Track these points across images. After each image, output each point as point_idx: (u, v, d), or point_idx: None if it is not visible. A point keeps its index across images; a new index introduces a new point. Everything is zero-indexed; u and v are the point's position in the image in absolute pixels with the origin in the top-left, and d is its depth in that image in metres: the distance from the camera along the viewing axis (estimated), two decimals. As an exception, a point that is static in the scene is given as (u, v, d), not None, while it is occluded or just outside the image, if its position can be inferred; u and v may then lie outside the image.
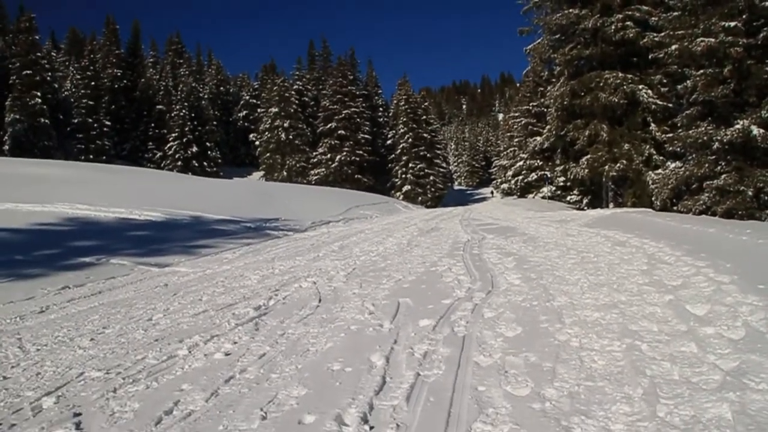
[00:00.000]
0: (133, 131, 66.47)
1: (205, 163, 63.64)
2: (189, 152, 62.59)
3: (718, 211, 17.53)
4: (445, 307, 6.02)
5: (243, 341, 4.95)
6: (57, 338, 5.17)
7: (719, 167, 18.14)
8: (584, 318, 5.37)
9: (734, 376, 3.72)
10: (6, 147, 49.40)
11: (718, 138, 17.52)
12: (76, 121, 56.15)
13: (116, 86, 66.50)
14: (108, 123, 59.34)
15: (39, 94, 51.01)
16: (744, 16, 17.63)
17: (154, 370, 4.23)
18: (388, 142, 68.13)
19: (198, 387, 3.87)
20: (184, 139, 62.85)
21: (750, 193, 16.92)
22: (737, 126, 16.94)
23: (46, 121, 51.06)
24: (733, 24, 17.36)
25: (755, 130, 16.52)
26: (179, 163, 61.84)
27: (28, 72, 51.62)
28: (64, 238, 11.88)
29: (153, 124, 66.12)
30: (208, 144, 65.43)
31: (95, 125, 57.09)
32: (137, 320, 5.79)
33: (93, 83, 59.32)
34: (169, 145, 63.30)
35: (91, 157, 53.75)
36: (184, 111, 63.44)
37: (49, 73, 54.92)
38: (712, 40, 17.61)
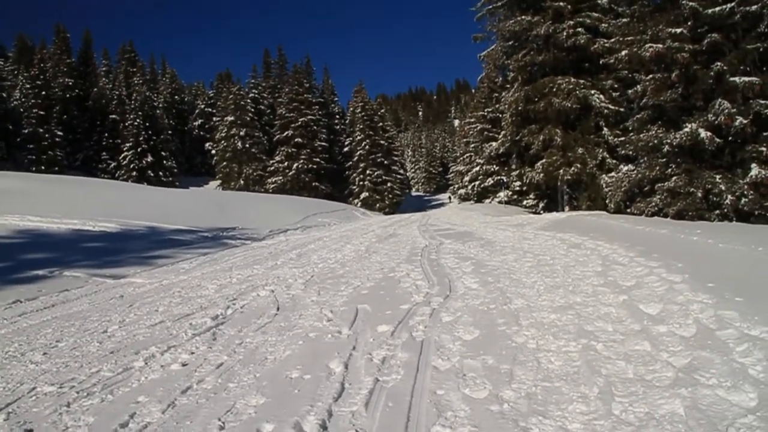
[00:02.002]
0: (86, 141, 65.17)
1: (160, 173, 62.79)
2: (144, 162, 61.72)
3: (669, 213, 17.89)
4: (404, 312, 6.04)
5: (200, 351, 4.90)
6: (7, 353, 5.04)
7: (670, 170, 18.51)
8: (541, 320, 5.44)
9: (686, 373, 3.82)
10: (-49, 158, 48.14)
11: (668, 141, 17.89)
12: (26, 131, 54.88)
13: (68, 95, 65.14)
14: (60, 133, 58.07)
15: (-15, 104, 49.83)
16: (689, 23, 18.06)
17: (110, 383, 4.16)
18: (345, 149, 68.06)
19: (154, 398, 3.82)
20: (139, 149, 61.95)
21: (699, 195, 17.29)
22: (686, 129, 17.32)
23: (-6, 131, 49.88)
24: (679, 30, 17.77)
25: (703, 133, 16.90)
26: (134, 173, 60.93)
27: (-27, 81, 50.36)
28: (15, 251, 11.60)
29: (107, 134, 64.95)
30: (163, 153, 64.56)
31: (46, 135, 55.86)
32: (92, 333, 5.68)
33: (43, 92, 58.04)
34: (123, 155, 62.31)
35: (43, 168, 52.65)
36: (138, 120, 62.53)
37: (-3, 83, 53.69)
38: (660, 46, 18.00)
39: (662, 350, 4.35)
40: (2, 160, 49.63)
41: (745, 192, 16.43)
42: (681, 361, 4.07)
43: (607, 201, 22.86)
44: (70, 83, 66.11)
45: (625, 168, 21.47)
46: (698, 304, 5.36)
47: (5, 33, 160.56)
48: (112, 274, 9.67)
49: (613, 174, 22.92)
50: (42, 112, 56.29)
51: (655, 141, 18.60)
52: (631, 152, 20.96)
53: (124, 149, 62.26)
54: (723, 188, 16.74)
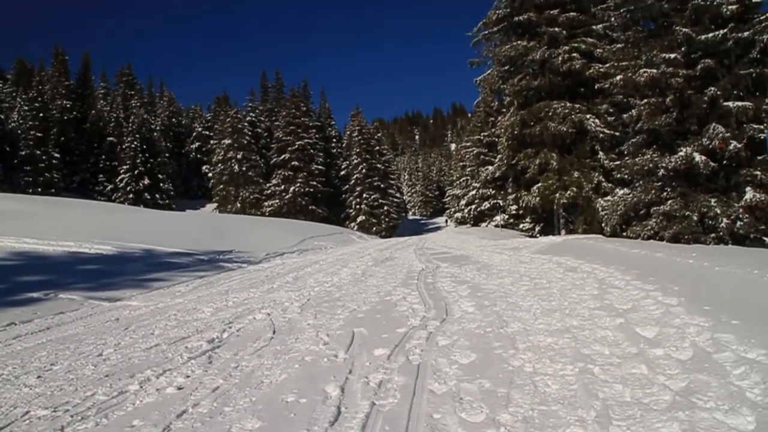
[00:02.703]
0: (83, 163, 65.34)
1: (157, 196, 62.89)
2: (141, 185, 61.85)
3: (665, 236, 17.91)
4: (400, 335, 6.03)
5: (196, 375, 4.87)
6: (1, 377, 5.00)
7: (665, 193, 18.56)
8: (537, 343, 5.43)
9: (683, 396, 3.81)
10: (-52, 180, 48.21)
11: (663, 165, 17.96)
12: (23, 153, 55.03)
13: (65, 118, 65.42)
14: (57, 155, 58.25)
15: (-17, 126, 50.04)
16: (683, 49, 18.23)
17: (104, 407, 4.13)
18: (342, 172, 68.35)
19: (149, 422, 3.79)
20: (136, 171, 62.11)
21: (695, 218, 17.33)
22: (681, 153, 17.39)
23: (-9, 153, 50.04)
24: (673, 56, 17.92)
25: (697, 157, 16.97)
26: (131, 195, 61.05)
27: (-29, 103, 50.58)
28: (10, 273, 11.56)
29: (104, 156, 65.17)
30: (160, 176, 64.70)
31: (44, 157, 56.01)
32: (87, 356, 5.65)
33: (41, 114, 58.30)
34: (120, 178, 62.46)
35: (40, 189, 52.77)
36: (135, 143, 62.75)
37: (-5, 105, 53.92)
38: (654, 71, 18.14)
39: (659, 373, 4.34)
40: (-1, 182, 49.70)
41: (740, 215, 16.46)
42: (678, 384, 4.06)
43: (603, 224, 22.88)
44: (68, 105, 66.47)
45: (621, 192, 21.52)
46: (695, 327, 5.37)
47: (5, 55, 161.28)
48: (108, 297, 9.64)
49: (608, 198, 22.97)
50: (39, 134, 56.54)
51: (651, 165, 18.67)
52: (626, 176, 21.01)
53: (121, 172, 62.44)
54: (718, 212, 16.78)
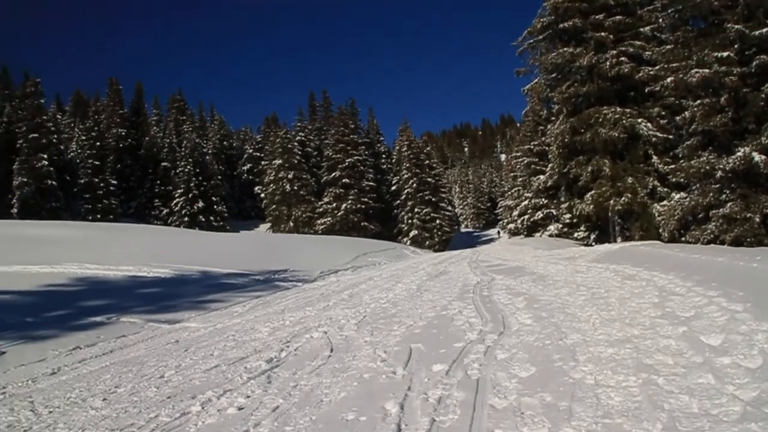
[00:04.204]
0: (138, 189, 67.06)
1: (211, 218, 63.95)
2: (195, 207, 62.99)
3: (726, 240, 17.47)
4: (458, 350, 5.97)
5: (256, 395, 4.91)
6: (69, 399, 5.13)
7: (724, 195, 18.13)
8: (598, 354, 5.32)
9: (755, 406, 3.68)
10: (14, 210, 49.99)
11: (721, 167, 17.55)
12: (82, 181, 56.75)
13: (121, 145, 67.37)
14: (114, 182, 59.88)
15: (45, 156, 51.89)
16: (736, 46, 17.83)
17: (168, 428, 4.19)
18: (393, 188, 68.52)
19: (212, 443, 3.83)
20: (190, 195, 63.30)
21: (757, 220, 16.87)
22: (738, 153, 16.97)
23: (53, 182, 51.83)
24: (725, 54, 17.54)
25: (757, 157, 16.54)
26: (186, 218, 62.20)
27: (35, 135, 52.49)
28: (74, 299, 11.87)
29: (158, 181, 66.69)
30: (213, 198, 65.81)
31: (101, 185, 57.61)
32: (149, 378, 5.75)
33: (98, 143, 60.06)
34: (175, 201, 63.75)
35: (99, 216, 54.28)
36: (188, 167, 64.04)
37: (55, 136, 55.84)
38: (707, 70, 17.77)
39: (727, 383, 4.20)
40: (60, 210, 51.34)
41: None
42: (749, 394, 3.92)
43: (660, 230, 22.43)
44: (123, 133, 68.42)
45: (678, 196, 21.10)
46: (763, 334, 5.19)
47: (64, 89, 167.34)
48: (167, 319, 9.81)
49: (665, 202, 22.54)
50: (97, 162, 58.22)
51: (707, 167, 18.26)
52: (682, 179, 20.59)
53: (176, 195, 63.72)
54: (782, 212, 16.31)
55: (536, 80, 31.33)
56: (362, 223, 61.26)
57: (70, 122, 71.00)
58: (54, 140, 54.95)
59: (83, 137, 60.02)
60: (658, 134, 25.08)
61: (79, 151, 59.23)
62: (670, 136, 24.86)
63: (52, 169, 51.97)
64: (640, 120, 25.58)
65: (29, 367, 6.55)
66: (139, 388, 5.37)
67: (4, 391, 5.52)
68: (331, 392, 4.84)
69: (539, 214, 50.21)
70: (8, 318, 9.23)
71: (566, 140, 28.49)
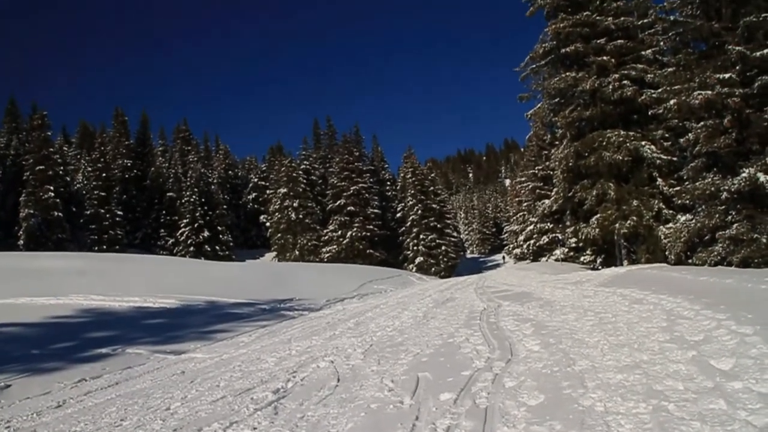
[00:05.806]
0: (144, 219, 67.35)
1: (217, 247, 64.01)
2: (201, 237, 63.11)
3: (733, 261, 17.38)
4: (465, 378, 5.92)
5: (263, 426, 4.87)
6: (74, 434, 5.11)
7: (730, 217, 18.08)
8: (607, 381, 5.27)
9: (767, 432, 3.63)
10: (21, 241, 50.15)
11: (726, 188, 17.52)
12: (88, 212, 56.92)
13: (127, 176, 67.80)
14: (120, 213, 60.14)
15: (52, 188, 52.16)
16: (737, 68, 17.89)
17: (174, 462, 4.16)
18: (398, 215, 68.59)
19: (219, 477, 3.79)
20: (196, 225, 63.47)
21: (764, 240, 16.77)
22: (744, 174, 16.94)
23: (60, 214, 52.03)
24: (727, 76, 17.59)
25: (762, 177, 16.49)
26: (191, 248, 62.29)
27: (41, 167, 52.79)
28: (80, 330, 11.86)
29: (164, 211, 66.92)
30: (219, 228, 65.94)
31: (107, 215, 57.82)
32: (155, 410, 5.72)
33: (104, 174, 60.46)
34: (180, 231, 63.91)
35: (105, 247, 54.43)
36: (194, 197, 64.29)
37: (62, 167, 56.10)
38: (709, 92, 17.81)
39: (739, 408, 4.14)
40: (66, 241, 51.44)
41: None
42: (762, 419, 3.86)
43: (666, 253, 22.33)
44: (129, 164, 68.88)
45: (683, 218, 21.05)
46: (774, 358, 5.14)
47: (69, 120, 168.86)
48: (173, 350, 9.78)
49: (670, 225, 22.47)
50: (103, 193, 58.51)
51: (712, 188, 18.23)
52: (687, 201, 20.55)
53: (181, 225, 63.92)
54: (790, 232, 16.24)
55: (539, 105, 31.41)
56: (368, 251, 61.23)
57: (76, 153, 71.39)
58: (60, 172, 55.22)
59: (89, 168, 60.38)
60: (663, 156, 25.07)
61: (85, 182, 59.53)
62: (675, 158, 24.84)
63: (58, 200, 52.24)
64: (644, 143, 25.57)
65: (34, 400, 6.53)
66: (145, 421, 5.34)
67: (9, 426, 5.50)
68: (339, 423, 4.80)
69: (545, 239, 50.12)
70: (14, 350, 9.23)
71: (570, 164, 28.49)
